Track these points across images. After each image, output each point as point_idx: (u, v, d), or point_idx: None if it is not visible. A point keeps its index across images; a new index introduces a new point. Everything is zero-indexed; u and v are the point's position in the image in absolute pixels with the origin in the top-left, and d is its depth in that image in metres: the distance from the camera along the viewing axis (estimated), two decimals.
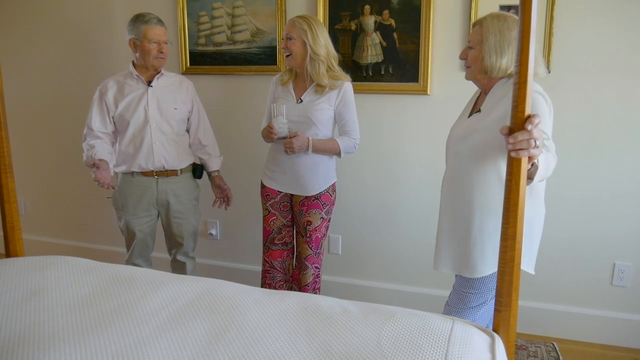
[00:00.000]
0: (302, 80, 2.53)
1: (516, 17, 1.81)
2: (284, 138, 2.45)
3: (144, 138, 2.62)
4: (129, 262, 2.82)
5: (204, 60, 3.26)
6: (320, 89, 2.47)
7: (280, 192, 2.63)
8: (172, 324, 1.45)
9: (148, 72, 2.65)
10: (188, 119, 2.78)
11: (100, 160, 2.52)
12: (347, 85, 2.50)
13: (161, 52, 2.59)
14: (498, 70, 1.81)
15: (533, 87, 1.72)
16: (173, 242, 2.85)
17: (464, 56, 1.92)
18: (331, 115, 2.51)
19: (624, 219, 2.73)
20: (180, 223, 2.78)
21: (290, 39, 2.44)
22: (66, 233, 3.94)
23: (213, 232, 3.52)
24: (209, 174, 2.88)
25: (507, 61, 1.80)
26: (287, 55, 2.48)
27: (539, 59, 1.82)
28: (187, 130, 2.80)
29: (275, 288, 2.75)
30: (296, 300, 1.60)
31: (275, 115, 2.44)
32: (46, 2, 3.55)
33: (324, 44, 2.43)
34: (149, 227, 2.79)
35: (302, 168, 2.53)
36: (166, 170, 2.69)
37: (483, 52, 1.82)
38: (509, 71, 1.82)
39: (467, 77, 1.95)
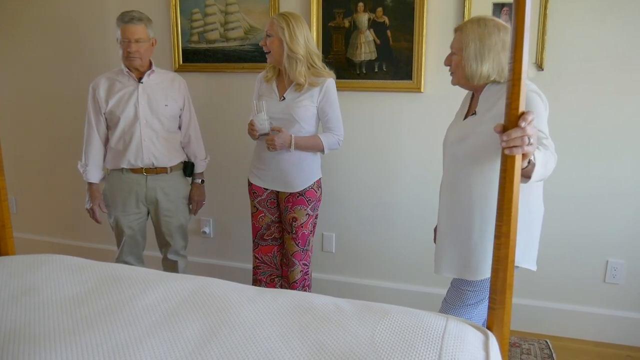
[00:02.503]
0: (284, 77, 2.53)
1: (498, 21, 1.79)
2: (266, 134, 2.46)
3: (133, 134, 2.61)
4: (120, 259, 2.80)
5: (196, 57, 3.24)
6: (298, 87, 2.47)
7: (267, 189, 2.64)
8: (164, 322, 1.44)
9: (139, 69, 2.64)
10: (180, 117, 2.77)
11: (94, 197, 2.73)
12: (330, 81, 2.50)
13: (129, 52, 2.55)
14: (479, 77, 1.79)
15: (528, 85, 1.72)
16: (162, 241, 2.84)
17: (447, 63, 1.89)
18: (314, 112, 2.51)
19: (617, 216, 2.74)
20: (169, 221, 2.77)
21: (269, 36, 2.45)
22: (58, 231, 3.92)
23: (206, 230, 3.51)
24: (193, 177, 2.87)
25: (488, 68, 1.77)
26: (267, 53, 2.49)
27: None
28: (180, 128, 2.79)
29: (266, 283, 2.77)
30: (290, 299, 1.60)
31: (257, 112, 2.44)
32: (38, 0, 3.52)
33: (302, 42, 2.42)
34: (138, 224, 2.77)
35: (286, 165, 2.53)
36: (155, 168, 2.68)
37: (463, 59, 1.79)
38: (491, 78, 1.78)
39: (453, 83, 1.92)
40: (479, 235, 1.83)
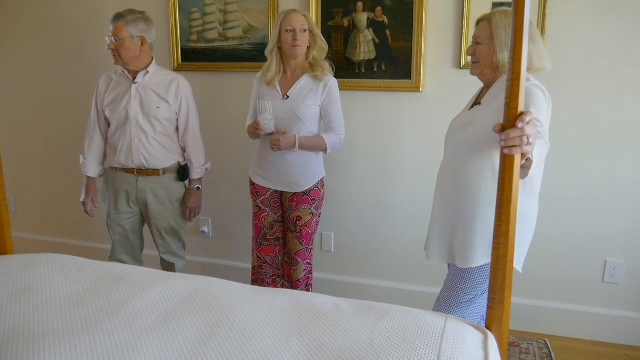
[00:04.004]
0: (287, 76, 2.54)
1: None
2: (271, 134, 2.46)
3: (124, 135, 2.62)
4: (113, 258, 2.80)
5: (195, 56, 3.24)
6: (314, 77, 2.50)
7: (270, 188, 2.63)
8: (163, 322, 1.44)
9: (136, 68, 2.63)
10: (177, 120, 2.72)
11: (89, 189, 2.79)
12: (333, 80, 2.53)
13: (112, 50, 2.56)
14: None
15: (532, 81, 1.74)
16: (155, 242, 2.83)
17: (471, 52, 1.92)
18: (317, 111, 2.53)
19: (616, 216, 2.74)
20: (159, 223, 2.75)
21: (305, 30, 2.46)
22: (57, 231, 3.92)
23: (205, 229, 3.50)
24: (190, 183, 2.82)
25: None
26: (299, 47, 2.46)
27: (543, 53, 1.83)
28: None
29: (267, 283, 2.76)
30: (289, 298, 1.59)
31: (261, 112, 2.43)
32: (37, 0, 3.53)
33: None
34: (130, 223, 2.77)
35: (291, 165, 2.54)
36: (147, 169, 2.67)
37: (495, 47, 1.82)
38: None
39: (473, 72, 1.95)
40: (470, 222, 1.86)
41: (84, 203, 2.81)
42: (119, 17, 2.54)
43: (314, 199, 2.59)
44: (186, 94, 2.70)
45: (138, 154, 2.63)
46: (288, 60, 2.52)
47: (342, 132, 2.57)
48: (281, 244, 2.75)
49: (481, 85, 2.04)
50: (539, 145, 1.54)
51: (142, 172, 2.67)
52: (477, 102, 1.97)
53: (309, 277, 2.70)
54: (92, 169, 2.76)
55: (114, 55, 2.57)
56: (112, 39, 2.53)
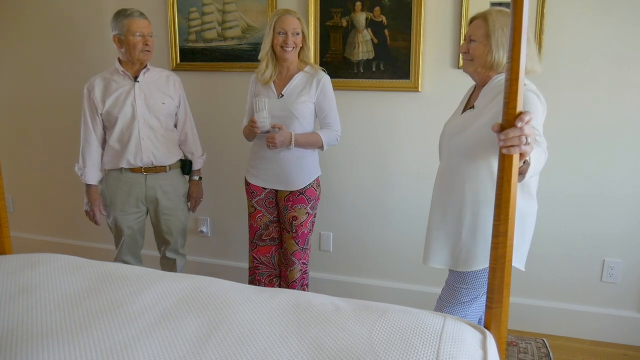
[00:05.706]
0: (281, 75, 2.55)
1: None
2: (267, 132, 2.46)
3: (132, 134, 2.60)
4: (118, 259, 2.79)
5: (194, 56, 3.24)
6: (305, 74, 2.52)
7: (265, 188, 2.63)
8: (162, 322, 1.44)
9: (134, 67, 2.63)
10: (176, 114, 2.77)
11: (94, 200, 2.71)
12: (326, 77, 2.54)
13: (146, 45, 2.57)
14: (503, 66, 1.81)
15: (527, 85, 1.73)
16: (162, 239, 2.83)
17: (464, 49, 1.90)
18: (312, 108, 2.54)
19: (614, 216, 2.74)
20: (169, 220, 2.77)
21: (298, 34, 2.46)
22: (55, 230, 3.91)
23: (204, 229, 3.50)
24: (191, 174, 2.87)
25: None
26: (292, 49, 2.47)
27: (534, 56, 1.81)
28: (175, 126, 2.79)
29: (265, 284, 2.76)
30: (287, 298, 1.60)
31: (258, 110, 2.43)
32: None
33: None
34: (138, 223, 2.77)
35: (287, 163, 2.54)
36: (155, 167, 2.68)
37: (490, 45, 1.80)
38: None
39: (466, 70, 1.93)
40: (470, 227, 1.85)
41: (91, 212, 2.74)
42: (142, 14, 2.58)
43: (310, 198, 2.59)
44: (181, 88, 2.79)
45: (147, 152, 2.63)
46: (280, 61, 2.52)
47: (338, 128, 2.57)
48: (277, 244, 2.75)
49: (472, 84, 2.03)
50: (537, 152, 1.54)
51: (150, 169, 2.67)
52: (469, 104, 1.95)
53: (304, 277, 2.70)
54: (93, 176, 2.70)
55: (148, 51, 2.60)
56: (150, 35, 2.58)
